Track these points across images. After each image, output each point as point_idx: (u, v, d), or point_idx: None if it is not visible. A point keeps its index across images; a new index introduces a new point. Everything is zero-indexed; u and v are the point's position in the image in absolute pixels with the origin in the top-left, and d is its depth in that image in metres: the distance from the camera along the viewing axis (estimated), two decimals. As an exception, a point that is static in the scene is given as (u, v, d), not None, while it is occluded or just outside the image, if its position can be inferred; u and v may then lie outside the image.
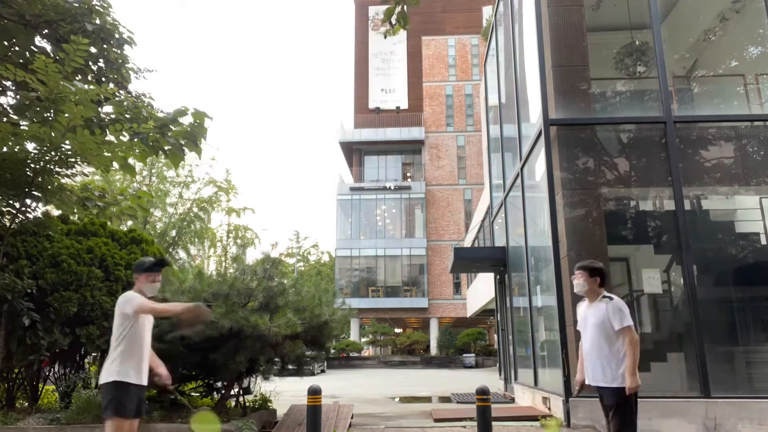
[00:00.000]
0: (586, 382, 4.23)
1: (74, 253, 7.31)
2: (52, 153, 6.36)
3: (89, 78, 7.32)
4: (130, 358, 3.89)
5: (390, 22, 4.11)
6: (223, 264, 37.33)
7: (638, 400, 4.03)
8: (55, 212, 7.76)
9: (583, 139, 8.33)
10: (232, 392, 7.70)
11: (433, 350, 37.43)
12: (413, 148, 43.48)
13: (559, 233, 7.74)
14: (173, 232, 29.35)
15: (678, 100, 9.56)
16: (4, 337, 6.71)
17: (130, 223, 21.20)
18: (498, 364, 14.72)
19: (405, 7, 4.11)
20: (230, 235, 39.64)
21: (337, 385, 17.37)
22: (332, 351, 32.27)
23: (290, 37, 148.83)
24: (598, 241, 7.67)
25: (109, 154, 6.39)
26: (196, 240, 31.90)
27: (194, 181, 30.62)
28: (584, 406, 6.94)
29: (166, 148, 6.44)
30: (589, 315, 4.22)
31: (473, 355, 33.32)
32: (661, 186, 8.08)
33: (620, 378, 3.96)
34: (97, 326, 7.17)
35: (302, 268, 52.18)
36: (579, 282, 4.27)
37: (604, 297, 4.17)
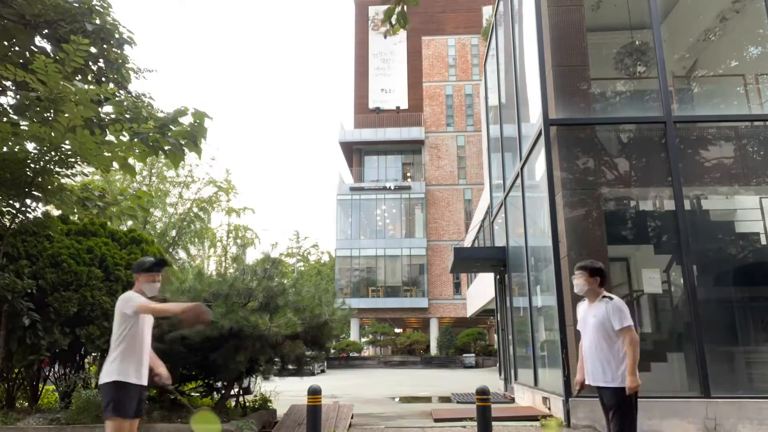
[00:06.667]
0: (587, 382, 4.24)
1: (74, 253, 7.31)
2: (52, 153, 6.37)
3: (89, 78, 7.32)
4: (130, 358, 3.88)
5: (390, 22, 4.09)
6: (223, 264, 37.31)
7: (638, 400, 4.04)
8: (55, 212, 7.76)
9: (583, 139, 8.34)
10: (232, 392, 7.70)
11: (433, 350, 37.42)
12: (413, 148, 43.47)
13: (559, 233, 7.74)
14: (173, 232, 29.33)
15: (678, 100, 9.56)
16: (4, 337, 6.71)
17: (130, 223, 21.20)
18: (498, 364, 14.72)
19: (405, 7, 4.10)
20: (230, 235, 39.60)
21: (337, 385, 17.36)
22: (332, 351, 32.23)
23: (290, 37, 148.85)
24: (598, 241, 7.67)
25: (109, 154, 6.40)
26: (196, 240, 31.88)
27: (194, 181, 30.61)
28: (584, 406, 6.95)
29: (166, 148, 6.44)
30: (589, 315, 4.23)
31: (473, 355, 33.31)
32: (661, 186, 8.08)
33: (620, 378, 3.97)
34: (97, 326, 7.17)
35: (302, 268, 52.16)
36: (579, 282, 4.27)
37: (604, 297, 4.17)
